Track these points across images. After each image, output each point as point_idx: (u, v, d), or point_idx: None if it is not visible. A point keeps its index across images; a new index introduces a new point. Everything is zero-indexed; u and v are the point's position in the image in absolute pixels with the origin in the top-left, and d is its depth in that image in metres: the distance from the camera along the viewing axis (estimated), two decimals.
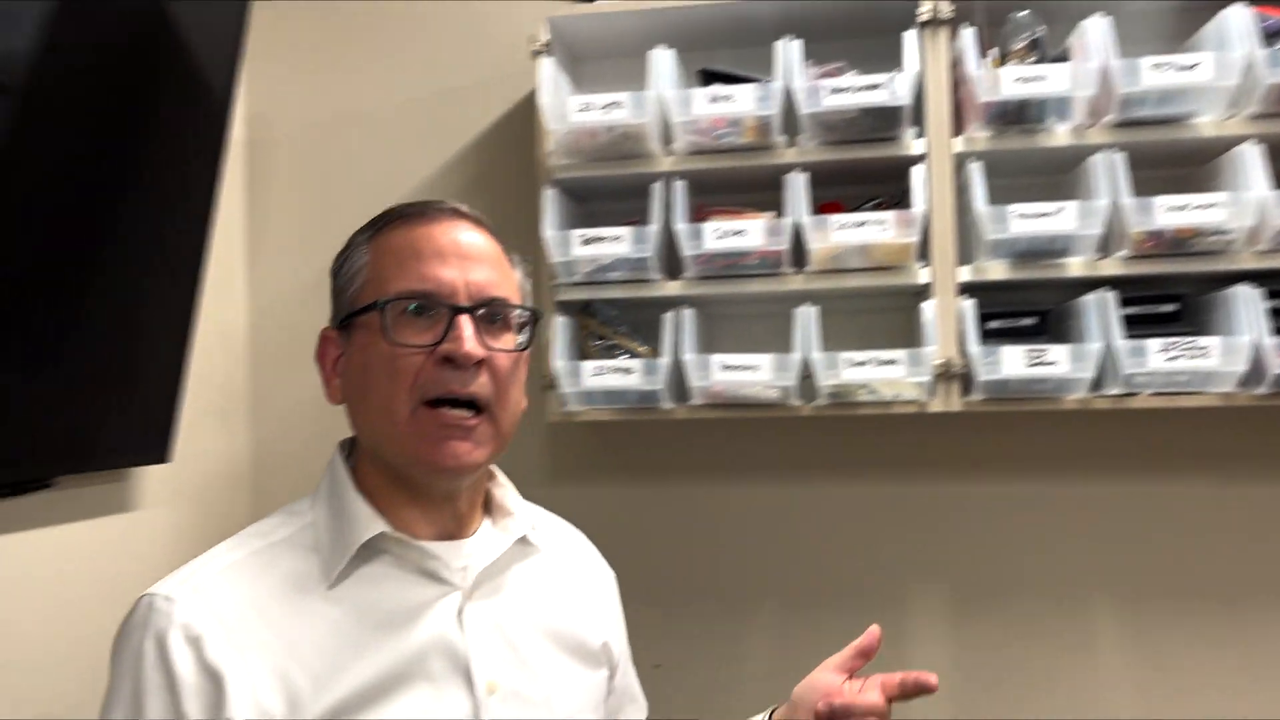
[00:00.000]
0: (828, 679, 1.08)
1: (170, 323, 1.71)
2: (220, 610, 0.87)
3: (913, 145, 1.62)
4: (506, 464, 1.34)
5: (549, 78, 1.68)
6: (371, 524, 0.94)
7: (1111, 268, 1.57)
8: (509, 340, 0.98)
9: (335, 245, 2.10)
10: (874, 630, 1.12)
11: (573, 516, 1.23)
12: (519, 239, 1.86)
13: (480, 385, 0.94)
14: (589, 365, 1.66)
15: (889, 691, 1.03)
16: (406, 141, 2.04)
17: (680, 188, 1.66)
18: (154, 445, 1.70)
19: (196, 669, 0.84)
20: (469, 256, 0.97)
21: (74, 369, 1.52)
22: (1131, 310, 1.60)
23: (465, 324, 0.93)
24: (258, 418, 2.08)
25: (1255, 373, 1.50)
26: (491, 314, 0.97)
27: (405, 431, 0.93)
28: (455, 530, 1.01)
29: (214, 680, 0.84)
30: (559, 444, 1.92)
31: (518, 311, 1.00)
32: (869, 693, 1.03)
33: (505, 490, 1.08)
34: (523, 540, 1.05)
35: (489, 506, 1.06)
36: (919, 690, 1.02)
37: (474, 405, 0.94)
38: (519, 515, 1.06)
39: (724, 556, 1.87)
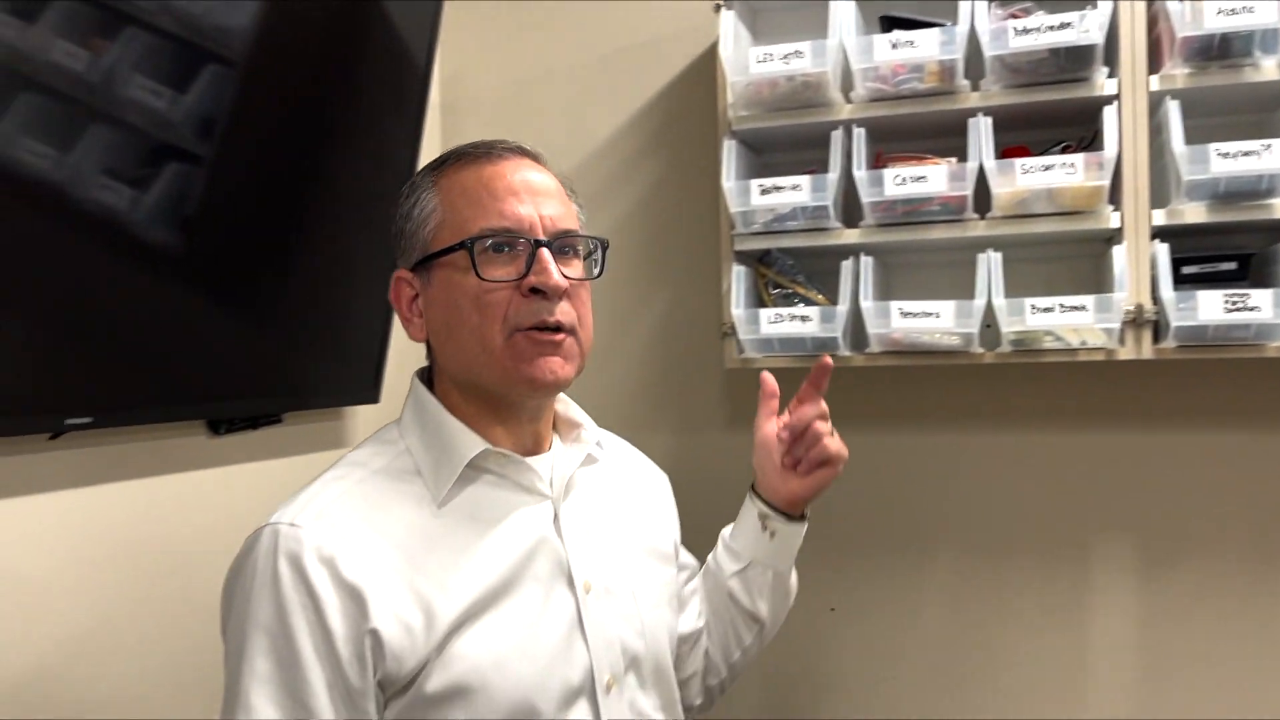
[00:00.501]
0: (762, 433, 1.22)
1: (378, 275, 1.85)
2: (345, 533, 0.92)
3: (1105, 85, 1.57)
4: (685, 410, 1.39)
5: (729, 30, 1.71)
6: (474, 443, 1.00)
7: None
8: (579, 269, 1.05)
9: None
10: (765, 376, 1.24)
11: (750, 464, 1.28)
12: (698, 190, 1.94)
13: (564, 312, 1.01)
14: (766, 313, 1.70)
15: (808, 395, 1.18)
16: (590, 98, 2.11)
17: (860, 135, 1.67)
18: (365, 388, 1.86)
19: (334, 586, 0.89)
20: (539, 192, 1.02)
21: (296, 321, 1.69)
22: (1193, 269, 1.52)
23: (548, 257, 0.99)
24: None
25: None
26: (564, 245, 1.02)
27: (502, 357, 0.99)
28: (534, 447, 1.07)
29: (354, 597, 0.90)
30: (736, 391, 1.97)
31: (590, 241, 1.06)
32: (802, 408, 1.18)
33: (569, 406, 1.15)
34: (589, 455, 1.13)
35: (558, 425, 1.13)
36: (822, 375, 1.18)
37: (559, 328, 1.01)
38: (588, 428, 1.13)
39: (900, 503, 1.88)
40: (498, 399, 1.03)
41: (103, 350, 1.36)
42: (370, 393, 1.86)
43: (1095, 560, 1.81)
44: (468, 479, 1.01)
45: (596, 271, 1.06)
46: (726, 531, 1.27)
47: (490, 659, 0.93)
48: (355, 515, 0.95)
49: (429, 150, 2.14)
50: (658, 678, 1.09)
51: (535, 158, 1.07)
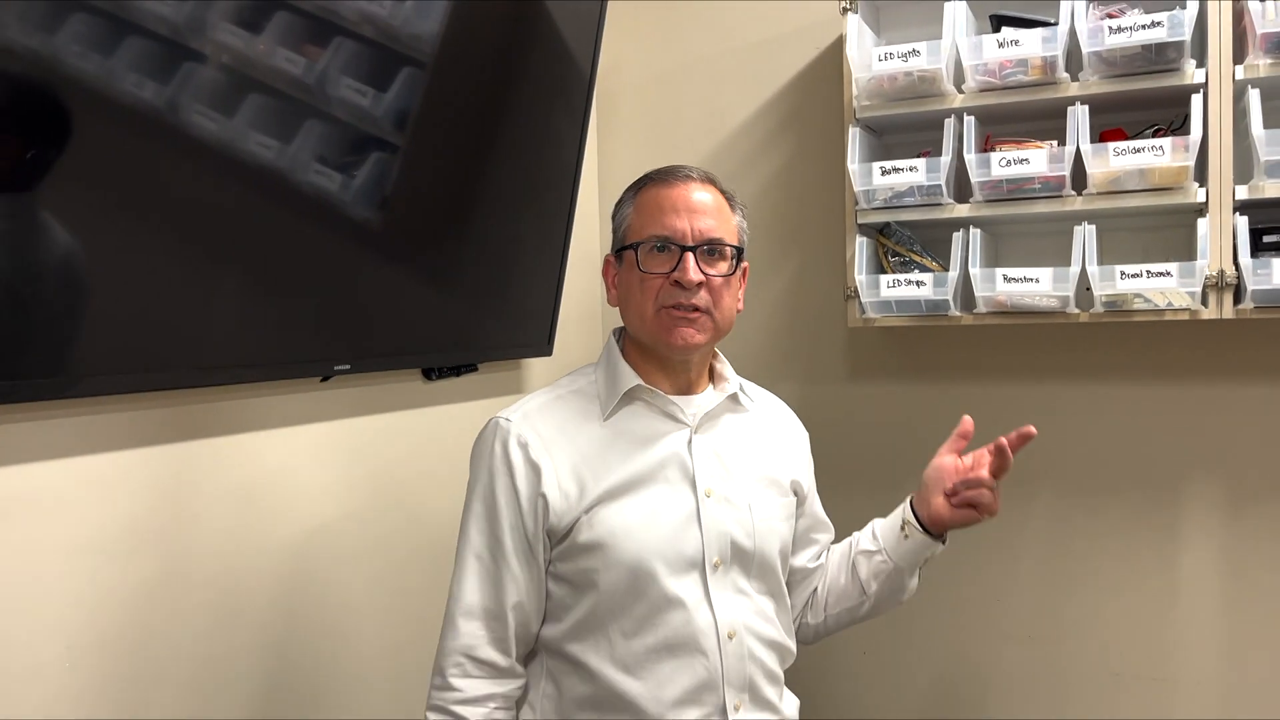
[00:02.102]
0: (941, 460, 1.46)
1: (549, 248, 2.18)
2: (537, 428, 1.33)
3: (1193, 75, 1.77)
4: (811, 363, 1.61)
5: (855, 32, 1.97)
6: (631, 379, 1.36)
7: None
8: (723, 267, 1.36)
9: None
10: (966, 419, 1.47)
11: (868, 412, 1.54)
12: (825, 169, 2.20)
13: (700, 298, 1.32)
14: (886, 279, 1.97)
15: (999, 460, 1.39)
16: (729, 86, 2.39)
17: (970, 122, 1.90)
18: (540, 342, 2.20)
19: (524, 462, 1.30)
20: (696, 210, 1.34)
21: (485, 288, 2.02)
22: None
23: (689, 258, 1.32)
24: (609, 323, 2.55)
25: None
26: (711, 249, 1.34)
27: (652, 325, 1.34)
28: (687, 389, 1.40)
29: (535, 470, 1.30)
30: (857, 348, 2.24)
31: (729, 248, 1.36)
32: (984, 469, 1.40)
33: (724, 366, 1.47)
34: (734, 400, 1.43)
35: (713, 377, 1.45)
36: (1021, 442, 1.38)
37: (696, 309, 1.33)
38: (731, 381, 1.44)
39: None
40: (654, 353, 1.38)
41: (349, 313, 1.72)
42: (544, 347, 2.20)
43: (1182, 502, 2.03)
44: (627, 404, 1.37)
45: (727, 270, 1.36)
46: (879, 520, 1.54)
47: (620, 527, 1.29)
48: (547, 418, 1.35)
49: (590, 134, 2.46)
50: (763, 571, 1.38)
51: (706, 180, 1.39)
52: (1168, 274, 1.77)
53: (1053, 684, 2.14)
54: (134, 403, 1.43)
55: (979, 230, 1.94)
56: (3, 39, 1.19)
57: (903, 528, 1.47)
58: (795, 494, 1.48)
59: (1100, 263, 1.84)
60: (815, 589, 1.55)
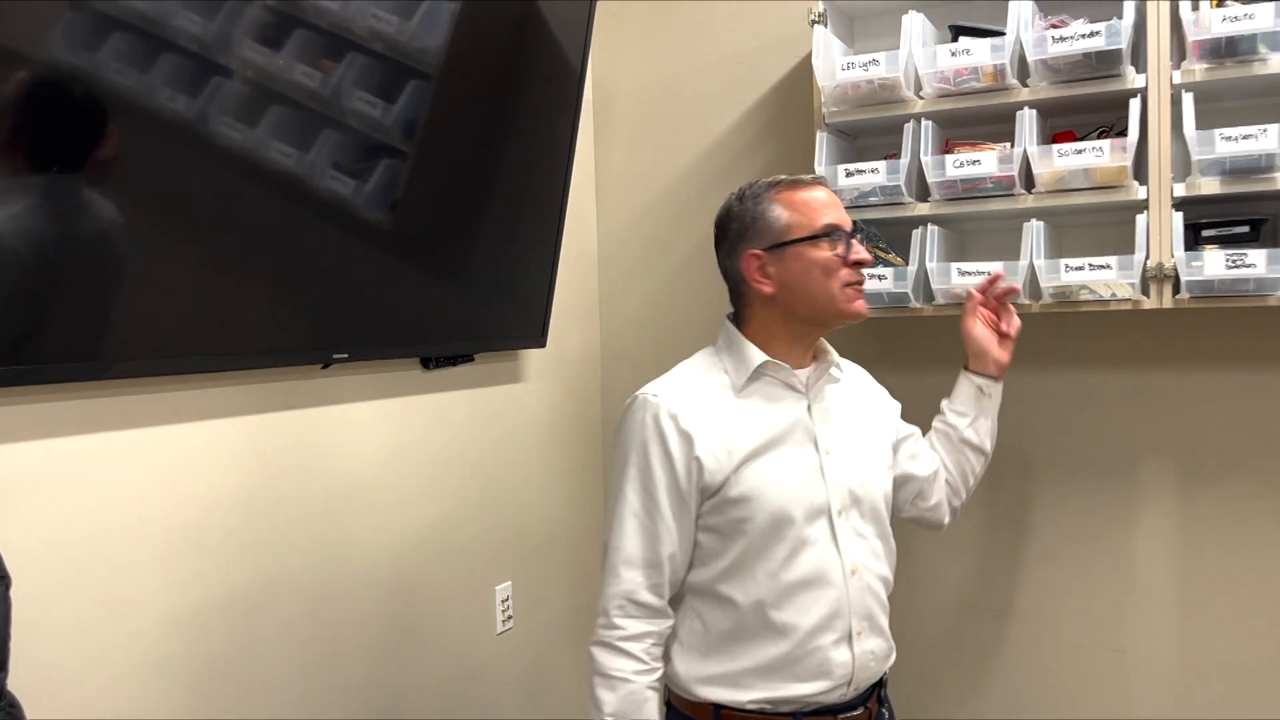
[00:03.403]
0: (979, 330, 1.81)
1: (543, 244, 2.35)
2: (684, 402, 1.52)
3: (1133, 80, 1.89)
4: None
5: (821, 42, 2.11)
6: (760, 357, 1.55)
7: None
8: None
9: (662, 183, 2.73)
10: (973, 291, 1.84)
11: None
12: (799, 172, 2.33)
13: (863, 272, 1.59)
14: None
15: (1001, 307, 1.82)
16: (714, 95, 2.54)
17: (928, 126, 2.04)
18: (534, 335, 2.37)
19: (676, 430, 1.50)
20: (837, 204, 1.59)
21: (482, 282, 2.19)
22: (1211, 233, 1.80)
23: (856, 241, 1.56)
24: (605, 316, 2.71)
25: None
26: (852, 234, 1.58)
27: (840, 300, 1.54)
28: (801, 363, 1.60)
29: (687, 438, 1.49)
30: (834, 335, 2.37)
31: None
32: (1005, 322, 1.82)
33: (824, 342, 1.66)
34: (832, 372, 1.64)
35: (816, 353, 1.64)
36: (1005, 293, 1.79)
37: (861, 282, 1.58)
38: (832, 355, 1.65)
39: None
40: (814, 326, 1.59)
41: (351, 305, 1.89)
42: (539, 339, 2.37)
43: (1137, 480, 2.15)
44: (755, 379, 1.56)
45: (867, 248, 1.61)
46: (947, 403, 1.83)
47: (763, 481, 1.50)
48: (690, 393, 1.55)
49: (583, 139, 2.62)
50: (874, 515, 1.60)
51: (826, 184, 1.62)
52: (1108, 267, 1.89)
53: (1018, 655, 2.27)
54: (148, 385, 1.61)
55: (937, 227, 2.07)
56: (55, 56, 1.38)
57: (981, 391, 1.80)
58: (891, 439, 1.71)
59: (1054, 257, 1.96)
60: (947, 480, 1.81)
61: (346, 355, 1.88)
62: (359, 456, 1.99)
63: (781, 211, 1.55)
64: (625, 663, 1.49)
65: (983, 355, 1.81)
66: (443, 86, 2.01)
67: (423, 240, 2.05)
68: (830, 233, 1.53)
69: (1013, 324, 1.83)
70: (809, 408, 1.57)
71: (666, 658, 1.55)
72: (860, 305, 1.56)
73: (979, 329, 1.81)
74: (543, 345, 2.37)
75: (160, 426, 1.63)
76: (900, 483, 1.73)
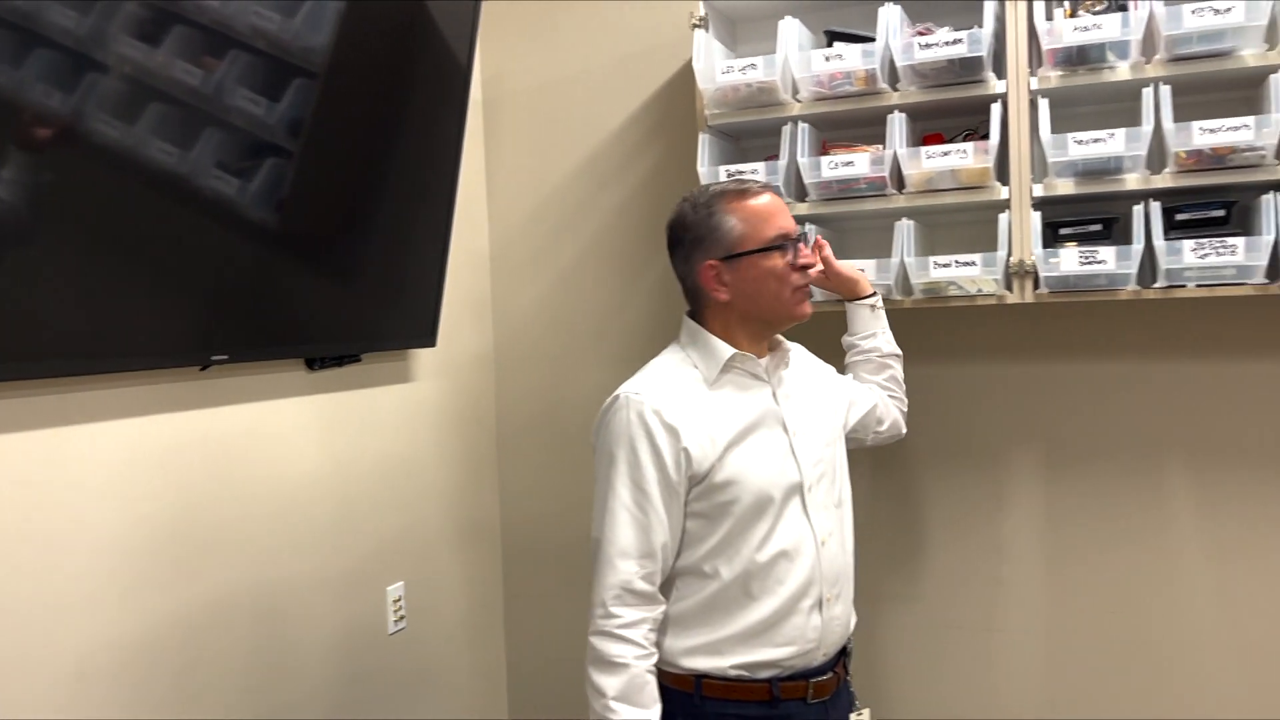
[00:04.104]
0: (837, 272, 1.95)
1: (431, 244, 2.35)
2: (664, 397, 1.60)
3: (994, 86, 1.98)
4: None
5: (702, 46, 2.16)
6: (728, 350, 1.65)
7: (1161, 181, 1.89)
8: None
9: (553, 182, 2.75)
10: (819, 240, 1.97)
11: None
12: (687, 173, 2.39)
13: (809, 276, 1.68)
14: None
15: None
16: (602, 96, 2.58)
17: (805, 129, 2.10)
18: (423, 334, 2.37)
19: (662, 425, 1.57)
20: (785, 211, 1.67)
21: (370, 282, 2.18)
22: (1184, 216, 1.92)
23: (802, 247, 1.66)
24: (498, 315, 2.73)
25: (1278, 267, 1.80)
26: (799, 240, 1.67)
27: (789, 305, 1.65)
28: (761, 355, 1.70)
29: (673, 431, 1.57)
30: None
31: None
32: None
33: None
34: (786, 359, 1.75)
35: (771, 344, 1.75)
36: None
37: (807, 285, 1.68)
38: (786, 345, 1.76)
39: None
40: (767, 328, 1.69)
41: (232, 305, 1.87)
42: (429, 339, 2.37)
43: (1007, 466, 2.26)
44: (725, 371, 1.65)
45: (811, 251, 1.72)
46: (851, 336, 1.98)
47: (745, 465, 1.60)
48: (668, 389, 1.62)
49: (473, 139, 2.63)
50: (835, 485, 1.72)
51: (774, 190, 1.72)
52: (973, 263, 1.98)
53: (898, 637, 2.36)
54: (17, 389, 1.58)
55: (815, 226, 2.14)
56: None
57: (872, 309, 1.97)
58: (843, 404, 1.85)
59: (926, 254, 2.05)
60: (891, 396, 1.98)
61: (227, 356, 1.86)
62: (242, 460, 1.97)
63: (735, 223, 1.64)
64: (625, 648, 1.56)
65: (851, 283, 1.96)
66: (328, 85, 2.00)
67: (309, 239, 2.04)
68: (780, 244, 1.63)
69: (824, 246, 1.95)
70: (774, 394, 1.68)
71: None
72: (806, 308, 1.67)
73: (838, 266, 1.95)
74: (432, 345, 2.37)
75: (31, 431, 1.59)
76: (859, 424, 1.89)
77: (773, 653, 1.59)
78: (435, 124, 2.33)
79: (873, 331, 1.97)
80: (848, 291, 1.97)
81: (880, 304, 1.98)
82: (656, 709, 1.56)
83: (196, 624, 1.86)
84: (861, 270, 1.99)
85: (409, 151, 2.25)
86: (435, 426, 2.50)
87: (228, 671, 1.92)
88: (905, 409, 2.01)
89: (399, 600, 2.35)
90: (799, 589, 1.61)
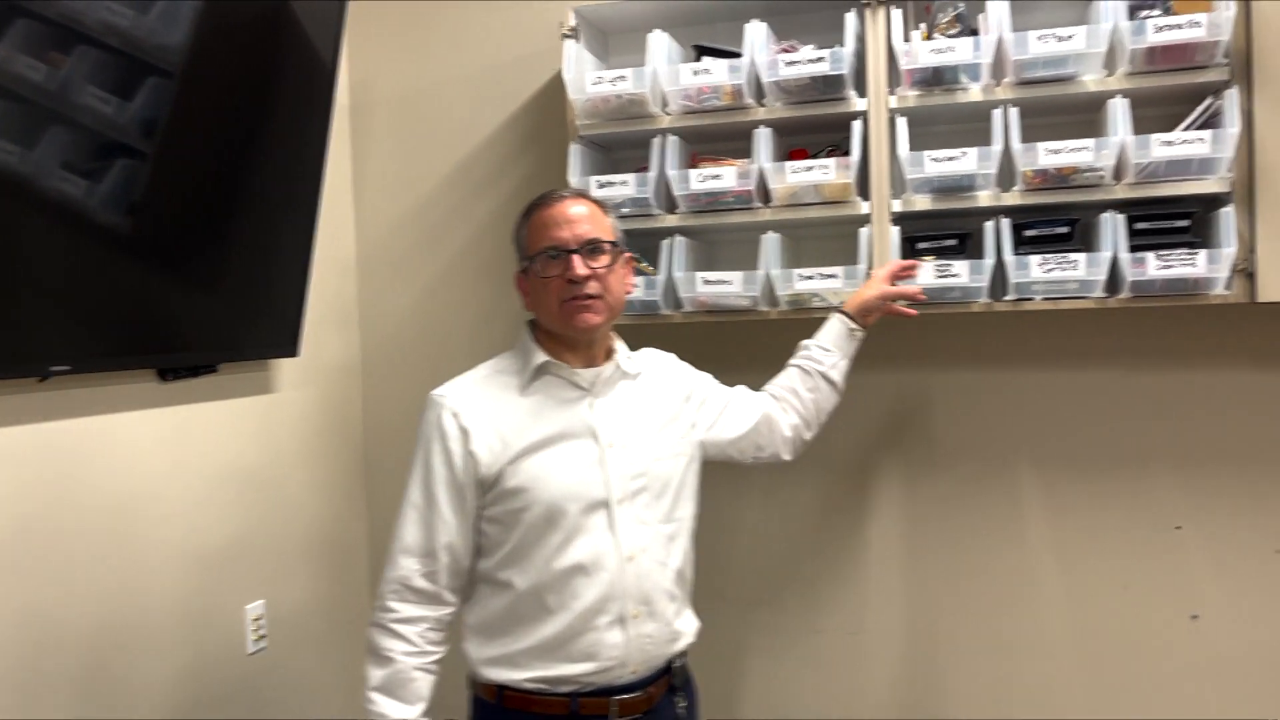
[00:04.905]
0: (887, 284, 1.96)
1: (294, 250, 2.28)
2: (468, 401, 1.63)
3: (856, 104, 2.04)
4: None
5: (571, 57, 2.16)
6: (541, 357, 1.66)
7: (1010, 199, 1.97)
8: (605, 260, 1.66)
9: (423, 189, 2.72)
10: (894, 263, 2.00)
11: None
12: (557, 183, 2.38)
13: (591, 286, 1.63)
14: None
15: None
16: (475, 103, 2.55)
17: (674, 142, 2.12)
18: (285, 343, 2.29)
19: (457, 427, 1.60)
20: (574, 220, 1.65)
21: (228, 285, 2.11)
22: (1032, 232, 2.01)
23: (575, 259, 1.62)
24: (366, 323, 2.66)
25: (1116, 282, 1.91)
26: (590, 248, 1.64)
27: (560, 316, 1.63)
28: (590, 363, 1.70)
29: (464, 433, 1.59)
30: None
31: (605, 244, 1.66)
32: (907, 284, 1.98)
33: (618, 345, 1.77)
34: (622, 370, 1.73)
35: (609, 354, 1.73)
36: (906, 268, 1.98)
37: (590, 296, 1.63)
38: (620, 355, 1.74)
39: None
40: (564, 336, 1.67)
41: (76, 313, 1.78)
42: (290, 348, 2.29)
43: (873, 473, 2.32)
44: (539, 378, 1.67)
45: (609, 261, 1.66)
46: (814, 342, 1.94)
47: (538, 474, 1.60)
48: (475, 392, 1.66)
49: (341, 144, 2.57)
50: (662, 502, 1.69)
51: (577, 194, 1.71)
52: (835, 276, 2.03)
53: (767, 641, 2.40)
54: None
55: (684, 238, 2.16)
56: None
57: (851, 334, 1.94)
58: (686, 416, 1.80)
59: (791, 266, 2.09)
60: (794, 425, 1.92)
61: (68, 367, 1.76)
62: (85, 475, 1.87)
63: (527, 232, 1.68)
64: (395, 643, 1.58)
65: (871, 311, 1.95)
66: (185, 84, 1.93)
67: (162, 245, 1.95)
68: (543, 254, 1.63)
69: (913, 296, 1.98)
70: (591, 404, 1.66)
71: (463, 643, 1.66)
72: (582, 319, 1.63)
73: (887, 283, 1.96)
74: (295, 354, 2.30)
75: None
76: (731, 444, 1.87)
77: (570, 668, 1.59)
78: (299, 127, 2.27)
79: (836, 353, 1.93)
80: (860, 307, 1.94)
81: (859, 336, 1.96)
82: (419, 707, 1.59)
83: (29, 647, 1.75)
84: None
85: (271, 154, 2.19)
86: (298, 439, 2.43)
87: (67, 698, 1.82)
88: (808, 437, 1.95)
89: (259, 619, 2.27)
90: (595, 604, 1.59)
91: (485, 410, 1.62)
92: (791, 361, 1.96)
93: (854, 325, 1.94)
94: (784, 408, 1.92)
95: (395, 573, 1.61)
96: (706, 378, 1.91)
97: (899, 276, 1.97)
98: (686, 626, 1.73)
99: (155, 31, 1.85)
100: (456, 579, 1.63)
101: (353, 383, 2.63)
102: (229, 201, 2.09)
